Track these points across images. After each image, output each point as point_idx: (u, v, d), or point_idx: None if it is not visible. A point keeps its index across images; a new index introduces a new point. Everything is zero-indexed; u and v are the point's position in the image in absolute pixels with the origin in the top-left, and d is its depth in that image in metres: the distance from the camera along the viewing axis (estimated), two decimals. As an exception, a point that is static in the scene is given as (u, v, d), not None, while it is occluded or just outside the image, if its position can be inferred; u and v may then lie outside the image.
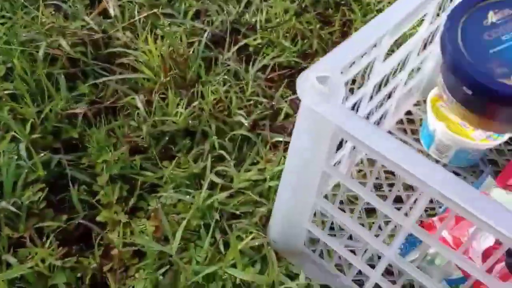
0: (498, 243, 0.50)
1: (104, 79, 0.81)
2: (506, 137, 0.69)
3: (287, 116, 0.80)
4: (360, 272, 0.58)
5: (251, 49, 0.91)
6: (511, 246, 0.35)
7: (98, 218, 0.65)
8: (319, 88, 0.40)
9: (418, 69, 0.77)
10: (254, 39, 0.92)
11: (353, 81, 0.53)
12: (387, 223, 0.67)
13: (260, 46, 0.91)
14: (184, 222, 0.62)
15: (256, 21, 0.95)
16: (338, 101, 0.41)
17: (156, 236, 0.63)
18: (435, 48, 0.74)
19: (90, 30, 0.88)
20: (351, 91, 0.55)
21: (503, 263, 0.53)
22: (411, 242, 0.61)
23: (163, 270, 0.59)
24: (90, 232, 0.64)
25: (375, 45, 0.50)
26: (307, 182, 0.51)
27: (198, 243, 0.62)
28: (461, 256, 0.42)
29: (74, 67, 0.83)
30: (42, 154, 0.70)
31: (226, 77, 0.84)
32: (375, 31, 0.48)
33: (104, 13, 0.92)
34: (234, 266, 0.58)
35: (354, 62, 0.47)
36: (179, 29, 0.90)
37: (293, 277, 0.60)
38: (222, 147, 0.74)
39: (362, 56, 0.48)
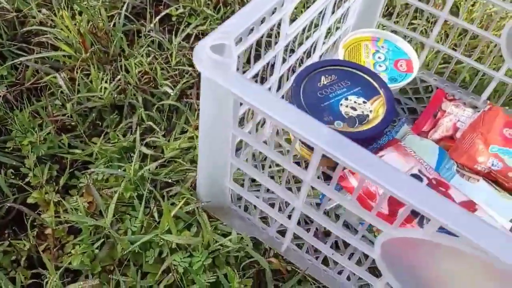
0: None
1: (22, 59, 0.79)
2: (408, 79, 0.73)
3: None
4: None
5: (174, 19, 0.91)
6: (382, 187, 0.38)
7: (29, 200, 0.65)
8: (212, 56, 0.42)
9: (337, 28, 0.79)
10: (176, 9, 0.91)
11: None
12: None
13: (182, 15, 0.91)
14: (116, 195, 0.62)
15: (177, -10, 0.94)
16: (231, 68, 0.43)
17: (90, 211, 0.64)
18: (353, 4, 0.77)
19: (2, 9, 0.84)
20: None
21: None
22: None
23: (99, 243, 0.60)
24: (22, 215, 0.64)
25: (274, 10, 0.51)
26: (220, 144, 0.53)
27: (133, 214, 0.63)
28: (353, 203, 0.46)
29: (-12, 50, 0.80)
30: (-38, 142, 0.68)
31: (150, 49, 0.84)
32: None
33: (16, -9, 0.89)
34: (169, 232, 0.60)
35: (253, 28, 0.49)
36: (97, 3, 0.87)
37: (227, 235, 0.62)
38: (151, 118, 0.74)
39: (262, 22, 0.50)
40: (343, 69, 0.68)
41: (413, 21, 0.97)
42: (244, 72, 0.58)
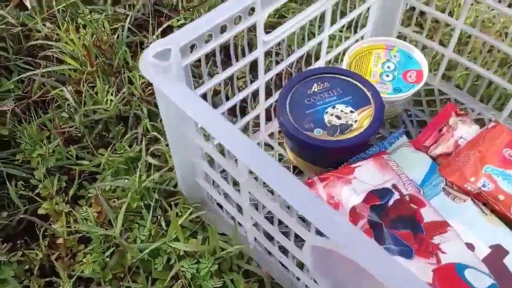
0: (364, 201, 0.55)
1: (29, 73, 0.81)
2: (413, 91, 0.72)
3: (216, 92, 0.83)
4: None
5: (175, 30, 0.93)
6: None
7: (40, 211, 0.67)
8: (154, 62, 0.45)
9: (346, 38, 0.79)
10: (178, 20, 0.94)
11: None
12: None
13: (183, 26, 0.93)
14: (124, 206, 0.65)
15: (177, 1, 0.96)
16: (170, 71, 0.45)
17: (100, 221, 0.66)
18: (369, 12, 0.78)
19: (7, 24, 0.87)
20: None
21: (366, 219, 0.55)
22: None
23: (109, 252, 0.62)
24: (33, 225, 0.66)
25: (240, 18, 0.54)
26: (182, 144, 0.56)
27: (141, 223, 0.65)
28: (277, 206, 0.48)
29: (-5, 64, 0.83)
30: (-27, 155, 0.70)
31: (153, 60, 0.86)
32: (234, 5, 0.52)
33: (21, 6, 0.91)
34: (177, 239, 0.62)
35: (211, 35, 0.51)
36: (100, 16, 0.90)
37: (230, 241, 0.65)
38: (155, 128, 0.76)
39: (223, 30, 0.52)
40: (339, 77, 0.67)
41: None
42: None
